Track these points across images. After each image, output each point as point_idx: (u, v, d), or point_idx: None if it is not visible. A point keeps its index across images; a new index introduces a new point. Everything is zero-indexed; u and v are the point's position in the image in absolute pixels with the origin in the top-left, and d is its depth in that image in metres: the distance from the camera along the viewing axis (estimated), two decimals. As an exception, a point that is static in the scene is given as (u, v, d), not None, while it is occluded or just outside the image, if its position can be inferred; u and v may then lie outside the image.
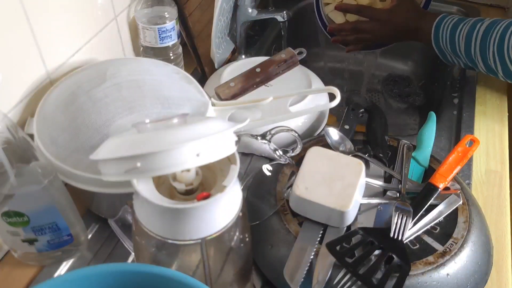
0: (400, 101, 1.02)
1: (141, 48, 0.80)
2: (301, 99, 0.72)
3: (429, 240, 0.55)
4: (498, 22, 0.72)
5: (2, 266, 0.57)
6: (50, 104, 0.58)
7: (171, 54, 0.80)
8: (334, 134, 0.66)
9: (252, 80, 0.70)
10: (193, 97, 0.60)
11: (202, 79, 0.84)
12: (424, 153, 0.65)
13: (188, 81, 0.63)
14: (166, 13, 0.76)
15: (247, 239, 0.45)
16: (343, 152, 0.63)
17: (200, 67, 0.86)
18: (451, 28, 0.78)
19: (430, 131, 0.68)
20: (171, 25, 0.77)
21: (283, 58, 0.72)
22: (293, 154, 0.63)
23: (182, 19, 0.81)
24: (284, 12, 0.90)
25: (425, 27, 0.81)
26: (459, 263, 0.52)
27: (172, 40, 0.78)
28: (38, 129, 0.55)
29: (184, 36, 0.83)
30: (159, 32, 0.76)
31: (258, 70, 0.71)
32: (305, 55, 0.73)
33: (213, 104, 0.60)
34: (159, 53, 0.79)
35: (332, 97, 0.60)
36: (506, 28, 0.70)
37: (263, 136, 0.59)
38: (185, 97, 0.59)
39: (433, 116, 0.71)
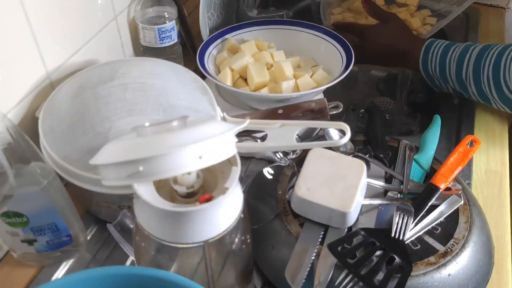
0: (401, 99, 1.02)
1: (141, 48, 0.80)
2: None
3: (430, 240, 0.55)
4: (492, 46, 0.72)
5: (2, 266, 0.57)
6: (61, 93, 0.58)
7: (171, 54, 0.80)
8: (334, 134, 0.66)
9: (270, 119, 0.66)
10: (202, 109, 0.59)
11: (202, 79, 0.84)
12: (427, 156, 0.65)
13: (203, 91, 0.61)
14: (165, 13, 0.76)
15: (248, 241, 0.45)
16: (344, 152, 0.63)
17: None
18: (442, 51, 0.76)
19: (434, 135, 0.68)
20: (170, 25, 0.76)
21: (311, 107, 0.65)
22: (293, 156, 0.63)
23: (182, 18, 0.81)
24: (284, 12, 0.90)
25: (413, 51, 0.80)
26: (461, 264, 0.52)
27: (172, 40, 0.78)
28: (44, 113, 0.56)
29: (183, 36, 0.83)
30: (158, 32, 0.76)
31: (280, 112, 0.65)
32: (340, 110, 0.66)
33: (223, 120, 0.58)
34: (159, 53, 0.78)
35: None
36: (502, 52, 0.70)
37: (263, 138, 0.59)
38: (193, 107, 0.58)
39: (438, 119, 0.70)
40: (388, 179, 0.62)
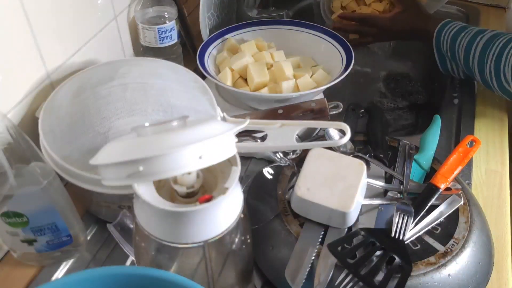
0: (402, 99, 1.02)
1: (141, 48, 0.80)
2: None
3: (430, 240, 0.55)
4: (499, 36, 0.72)
5: (2, 266, 0.57)
6: (61, 93, 0.58)
7: (171, 54, 0.80)
8: (334, 134, 0.66)
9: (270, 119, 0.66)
10: (203, 109, 0.59)
11: (202, 79, 0.84)
12: (427, 156, 0.65)
13: (203, 91, 0.61)
14: (165, 13, 0.76)
15: (248, 241, 0.45)
16: (344, 152, 0.63)
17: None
18: (452, 36, 0.78)
19: (434, 135, 0.68)
20: (170, 25, 0.76)
21: (311, 107, 0.65)
22: (293, 156, 0.63)
23: (182, 18, 0.81)
24: (284, 12, 0.90)
25: (430, 30, 0.82)
26: (461, 264, 0.52)
27: (172, 40, 0.78)
28: (44, 113, 0.56)
29: (183, 36, 0.83)
30: (158, 32, 0.76)
31: (280, 112, 0.66)
32: (340, 110, 0.67)
33: (223, 120, 0.59)
34: (159, 53, 0.78)
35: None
36: (505, 45, 0.70)
37: (263, 138, 0.59)
38: (193, 108, 0.58)
39: (438, 119, 0.70)
40: (388, 179, 0.62)
